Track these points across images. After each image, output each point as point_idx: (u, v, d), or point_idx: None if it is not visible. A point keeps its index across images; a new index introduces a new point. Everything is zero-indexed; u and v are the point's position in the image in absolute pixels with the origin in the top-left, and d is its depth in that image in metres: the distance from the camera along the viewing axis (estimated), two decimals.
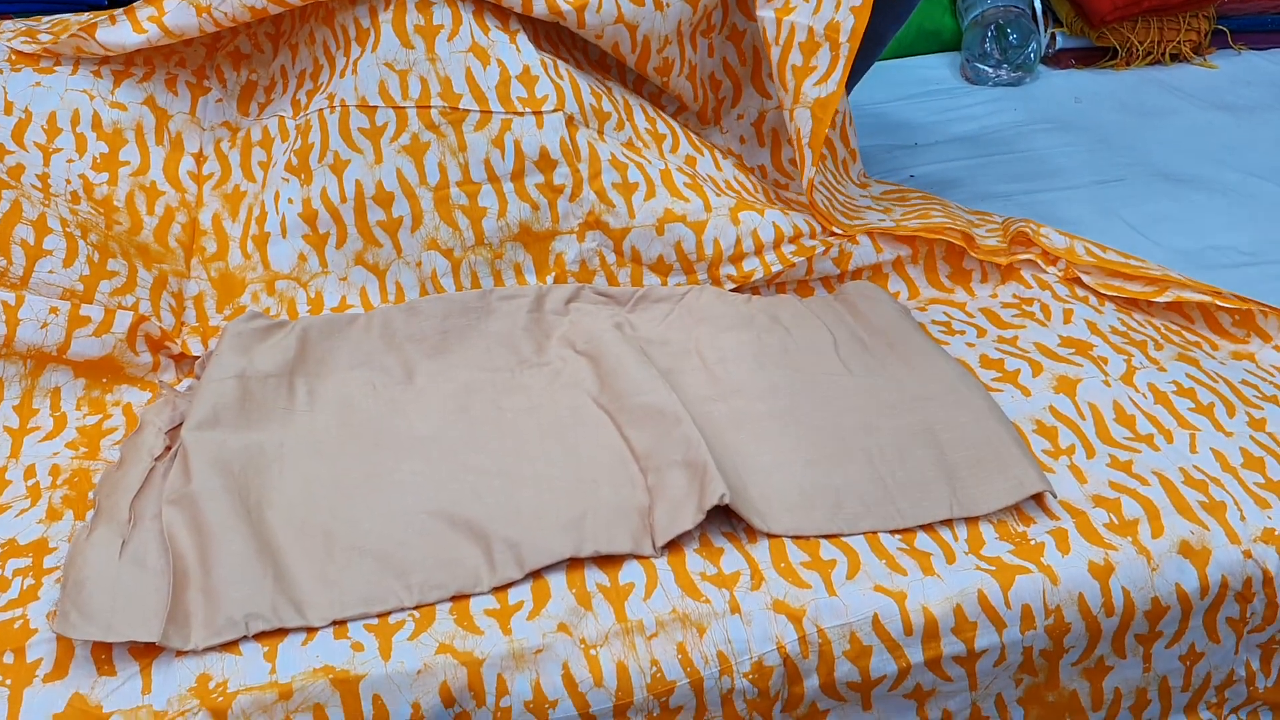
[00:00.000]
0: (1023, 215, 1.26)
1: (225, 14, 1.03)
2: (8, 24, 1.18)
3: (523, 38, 1.01)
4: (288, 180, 1.04)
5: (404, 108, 1.00)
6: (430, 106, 1.00)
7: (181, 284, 1.03)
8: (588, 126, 1.02)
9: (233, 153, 1.12)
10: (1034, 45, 1.72)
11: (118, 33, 1.06)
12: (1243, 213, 1.29)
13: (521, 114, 1.00)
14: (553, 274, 1.03)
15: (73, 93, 1.08)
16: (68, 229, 0.97)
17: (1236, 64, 1.81)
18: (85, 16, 1.18)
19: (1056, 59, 1.80)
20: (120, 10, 1.07)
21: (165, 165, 1.10)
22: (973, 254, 1.07)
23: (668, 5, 1.05)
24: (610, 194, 1.02)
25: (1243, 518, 0.81)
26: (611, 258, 1.04)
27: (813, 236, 1.09)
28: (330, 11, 1.06)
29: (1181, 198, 1.33)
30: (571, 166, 1.01)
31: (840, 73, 1.04)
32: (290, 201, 1.03)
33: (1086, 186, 1.36)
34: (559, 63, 1.03)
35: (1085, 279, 1.05)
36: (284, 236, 1.03)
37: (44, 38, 1.11)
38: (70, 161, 1.06)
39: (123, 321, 0.93)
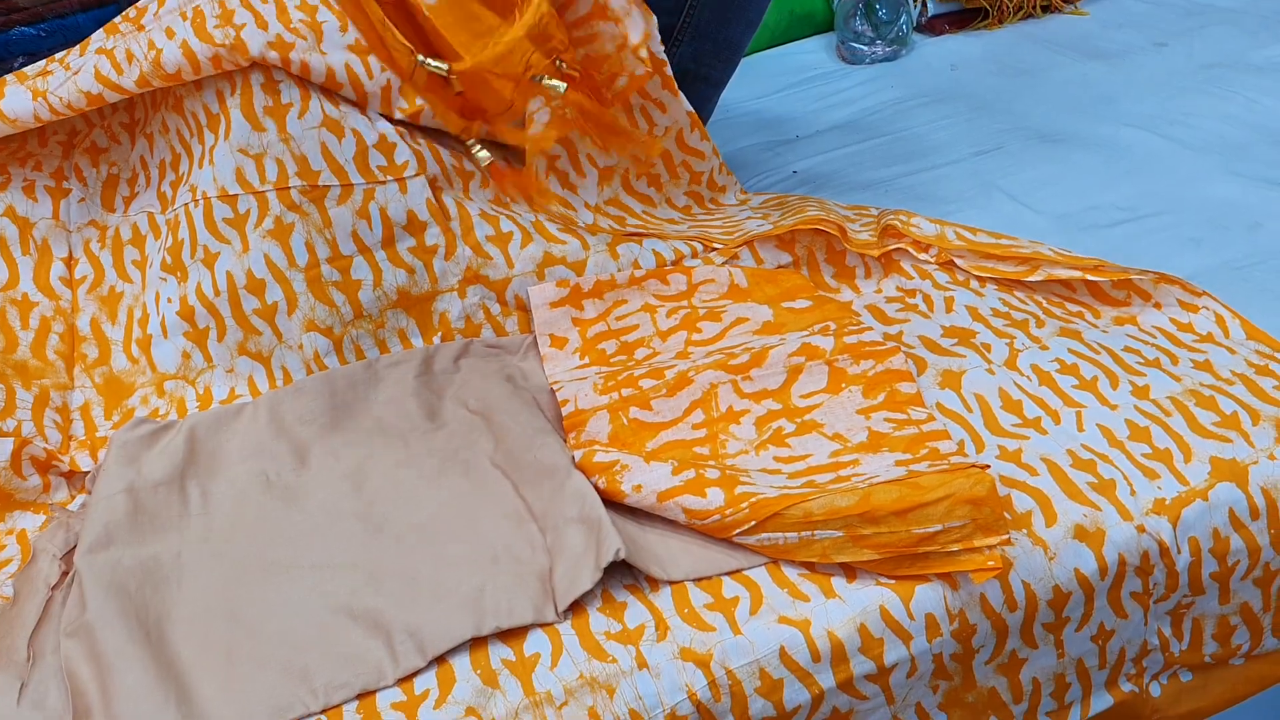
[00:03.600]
0: (903, 199, 1.27)
1: (61, 99, 1.01)
2: None
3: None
4: (165, 280, 1.03)
5: (263, 192, 0.99)
6: (289, 188, 0.99)
7: (65, 396, 1.02)
8: (451, 187, 1.02)
9: (104, 253, 1.10)
10: (905, 18, 1.73)
11: None
12: (1119, 167, 1.31)
13: (384, 182, 0.99)
14: (439, 334, 1.03)
15: None
16: None
17: (1107, 7, 1.83)
18: None
19: (930, 26, 1.81)
20: None
21: (35, 274, 1.08)
22: (846, 246, 1.08)
23: None
24: (486, 247, 1.02)
25: (1133, 492, 0.82)
26: (496, 309, 1.04)
27: (694, 257, 1.09)
28: (179, 98, 1.05)
29: (1059, 159, 1.35)
30: (442, 226, 1.01)
31: None
32: (169, 301, 1.02)
33: (965, 160, 1.37)
34: (413, 128, 1.02)
35: (959, 262, 1.07)
36: (165, 336, 1.02)
37: None
38: None
39: (4, 448, 0.92)
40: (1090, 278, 1.02)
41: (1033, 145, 1.39)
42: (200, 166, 1.02)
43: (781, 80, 1.70)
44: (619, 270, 1.05)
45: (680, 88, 1.15)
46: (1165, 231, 1.15)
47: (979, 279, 1.06)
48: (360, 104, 1.01)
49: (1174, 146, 1.34)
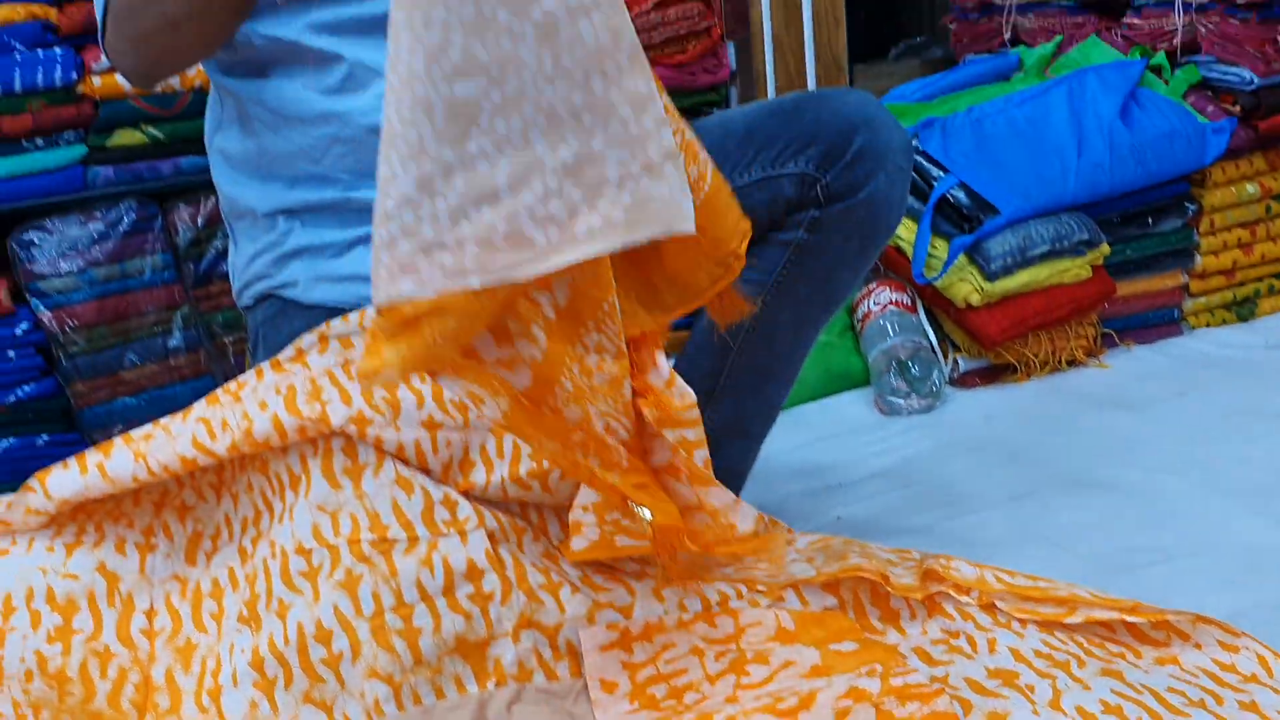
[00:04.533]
0: (942, 545, 1.32)
1: (159, 460, 1.11)
2: None
3: None
4: (240, 631, 1.09)
5: (336, 545, 1.06)
6: (361, 540, 1.06)
7: None
8: (508, 541, 1.09)
9: (184, 605, 1.17)
10: (937, 374, 1.84)
11: (66, 477, 1.12)
12: (1151, 511, 1.36)
13: (446, 534, 1.07)
14: (492, 679, 1.06)
15: (27, 570, 1.14)
16: (19, 710, 1.00)
17: (1129, 361, 1.94)
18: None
19: (963, 380, 1.92)
20: (73, 457, 1.15)
21: (118, 627, 1.14)
22: (890, 590, 1.12)
23: None
24: (539, 593, 1.08)
25: None
26: (548, 653, 1.08)
27: (740, 599, 1.14)
28: (264, 460, 1.15)
29: (1093, 503, 1.40)
30: (499, 573, 1.07)
31: None
32: (242, 651, 1.07)
33: (1002, 505, 1.43)
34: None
35: (1001, 604, 1.10)
36: (235, 686, 1.06)
37: (14, 518, 1.18)
38: (25, 638, 1.10)
39: None
40: (1128, 618, 1.04)
41: (1066, 491, 1.45)
42: (280, 523, 1.11)
43: (822, 431, 1.80)
44: (666, 613, 1.10)
45: (720, 444, 1.23)
46: (1199, 573, 1.19)
47: (1020, 620, 1.09)
48: (424, 472, 1.10)
49: (1202, 490, 1.39)
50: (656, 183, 0.78)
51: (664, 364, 1.10)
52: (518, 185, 0.77)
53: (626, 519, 1.06)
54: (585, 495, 1.06)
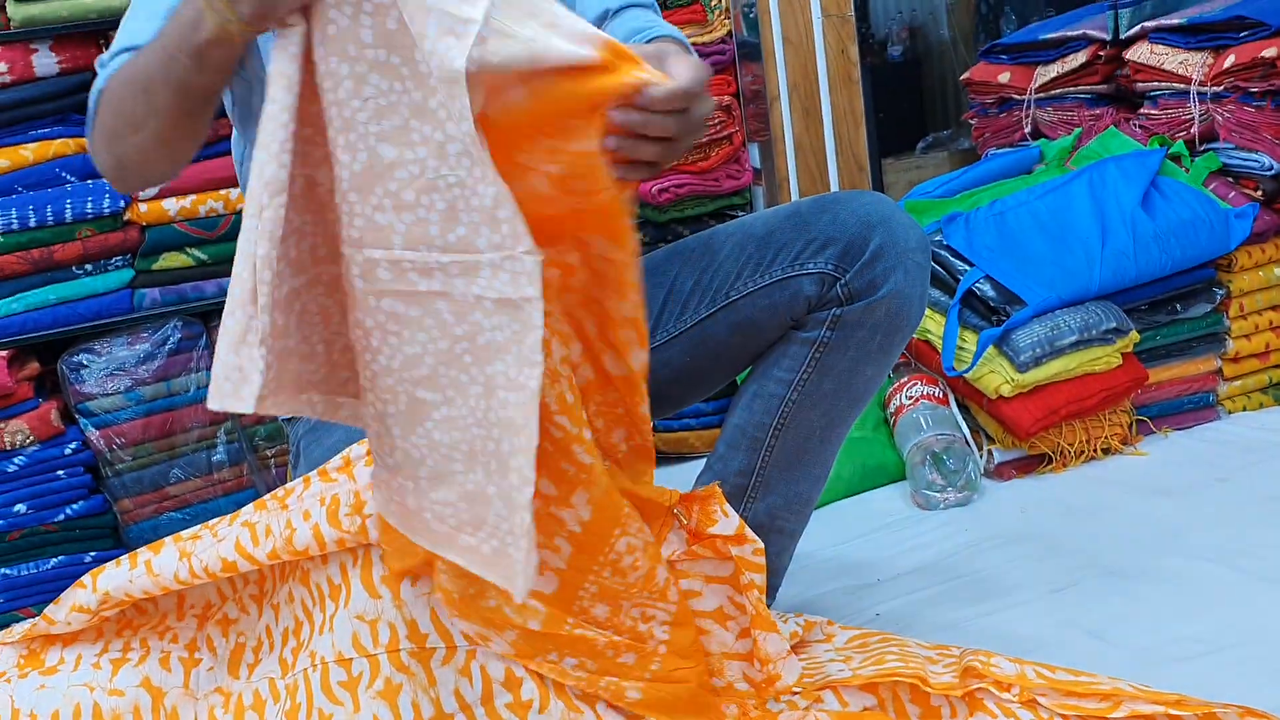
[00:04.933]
0: (982, 640, 1.31)
1: (201, 562, 1.13)
2: (17, 627, 1.28)
3: None
4: None
5: (375, 655, 1.08)
6: (399, 650, 1.08)
7: None
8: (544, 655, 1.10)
9: (226, 718, 1.18)
10: (972, 466, 1.84)
11: (114, 572, 1.15)
12: (1194, 600, 1.34)
13: (484, 644, 1.08)
14: None
15: (74, 688, 1.16)
16: None
17: (1165, 448, 1.93)
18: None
19: (998, 472, 1.92)
20: (125, 554, 1.18)
21: None
22: (929, 690, 1.11)
23: None
24: (577, 703, 1.08)
25: None
26: None
27: (777, 700, 1.13)
28: (305, 571, 1.17)
29: (1132, 594, 1.39)
30: (537, 682, 1.07)
31: None
32: None
33: (1041, 598, 1.42)
34: None
35: (1043, 700, 1.09)
36: None
37: (59, 615, 1.21)
38: None
39: None
40: (1173, 713, 1.03)
41: (1106, 581, 1.44)
42: (320, 633, 1.12)
43: (860, 527, 1.79)
44: None
45: None
46: (1246, 664, 1.17)
47: (1063, 717, 1.08)
48: None
49: (1247, 578, 1.37)
50: (515, 545, 0.90)
51: (731, 516, 1.12)
52: (434, 482, 0.95)
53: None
54: None
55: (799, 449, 1.30)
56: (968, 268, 2.00)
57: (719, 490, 1.14)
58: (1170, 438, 1.96)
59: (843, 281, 1.22)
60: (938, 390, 1.98)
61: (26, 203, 1.89)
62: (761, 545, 1.12)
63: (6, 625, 1.36)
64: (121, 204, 1.93)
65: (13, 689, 1.15)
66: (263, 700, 1.16)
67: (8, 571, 1.91)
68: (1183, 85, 2.14)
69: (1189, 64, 2.12)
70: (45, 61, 1.92)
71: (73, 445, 1.93)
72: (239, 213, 1.96)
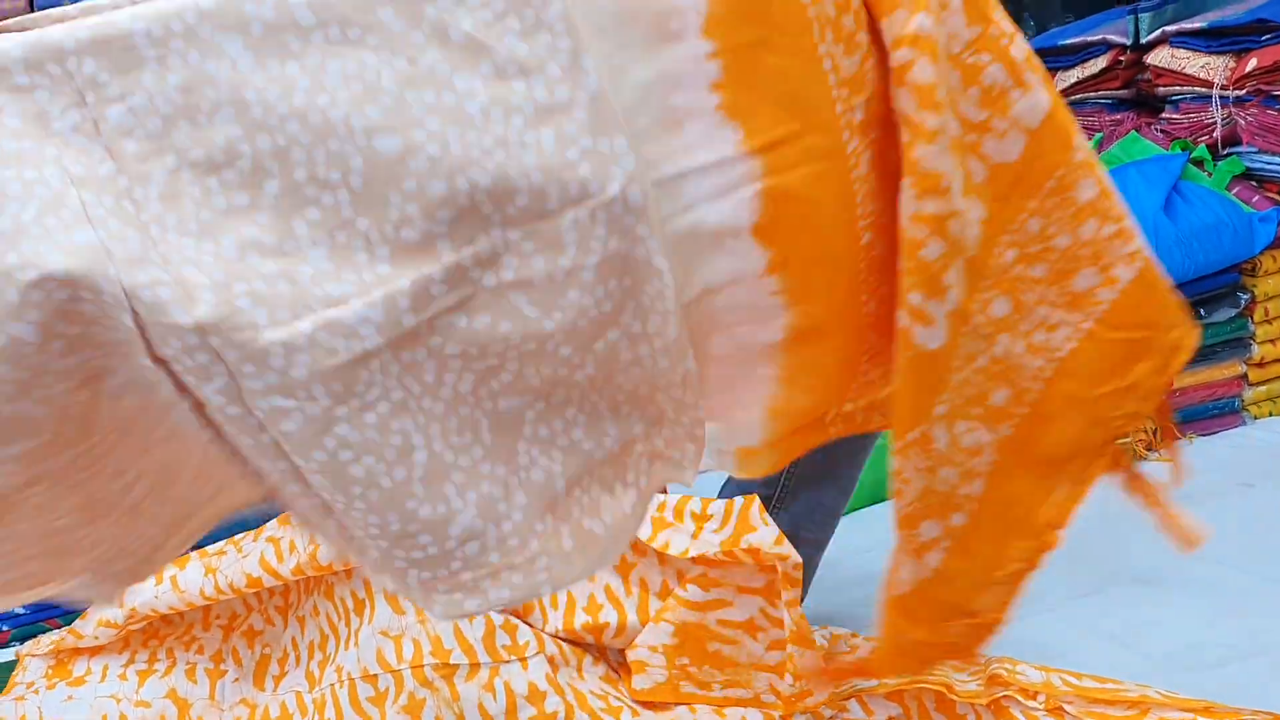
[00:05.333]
0: (1006, 647, 1.29)
1: (226, 577, 1.14)
2: (44, 639, 1.29)
3: None
4: None
5: (400, 670, 1.08)
6: (423, 665, 1.08)
7: None
8: (567, 665, 1.10)
9: None
10: None
11: (141, 588, 1.16)
12: (1219, 606, 1.33)
13: (508, 661, 1.08)
14: None
15: (101, 699, 1.17)
16: None
17: (1191, 453, 1.91)
18: None
19: None
20: None
21: None
22: (955, 697, 1.11)
23: None
24: (602, 716, 1.08)
25: None
26: None
27: (802, 713, 1.13)
28: (330, 585, 1.18)
29: (1157, 600, 1.38)
30: (560, 695, 1.08)
31: None
32: None
33: (1065, 604, 1.41)
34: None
35: (1069, 708, 1.08)
36: None
37: (86, 630, 1.21)
38: None
39: None
40: (1201, 719, 1.02)
41: (1131, 587, 1.43)
42: (346, 648, 1.13)
43: (885, 535, 1.77)
44: None
45: None
46: (1273, 670, 1.16)
47: None
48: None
49: (1273, 584, 1.36)
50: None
51: (770, 525, 1.11)
52: (572, 486, 0.67)
53: (695, 667, 1.09)
54: (651, 635, 1.08)
55: (826, 460, 1.30)
56: None
57: (758, 499, 1.13)
58: (1195, 443, 1.95)
59: None
60: None
61: None
62: (800, 560, 1.11)
63: (34, 636, 1.37)
64: None
65: (40, 700, 1.16)
66: (289, 714, 1.17)
67: None
68: (1205, 89, 2.13)
69: (1211, 68, 2.11)
70: None
71: None
72: None
